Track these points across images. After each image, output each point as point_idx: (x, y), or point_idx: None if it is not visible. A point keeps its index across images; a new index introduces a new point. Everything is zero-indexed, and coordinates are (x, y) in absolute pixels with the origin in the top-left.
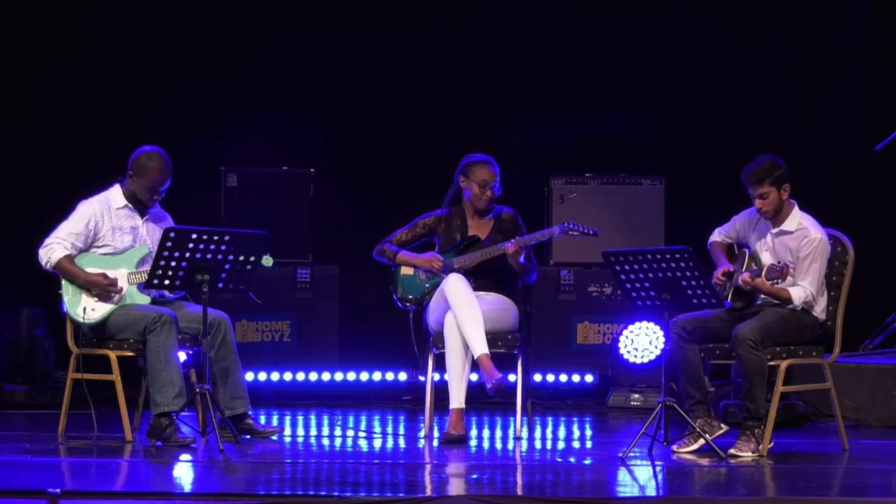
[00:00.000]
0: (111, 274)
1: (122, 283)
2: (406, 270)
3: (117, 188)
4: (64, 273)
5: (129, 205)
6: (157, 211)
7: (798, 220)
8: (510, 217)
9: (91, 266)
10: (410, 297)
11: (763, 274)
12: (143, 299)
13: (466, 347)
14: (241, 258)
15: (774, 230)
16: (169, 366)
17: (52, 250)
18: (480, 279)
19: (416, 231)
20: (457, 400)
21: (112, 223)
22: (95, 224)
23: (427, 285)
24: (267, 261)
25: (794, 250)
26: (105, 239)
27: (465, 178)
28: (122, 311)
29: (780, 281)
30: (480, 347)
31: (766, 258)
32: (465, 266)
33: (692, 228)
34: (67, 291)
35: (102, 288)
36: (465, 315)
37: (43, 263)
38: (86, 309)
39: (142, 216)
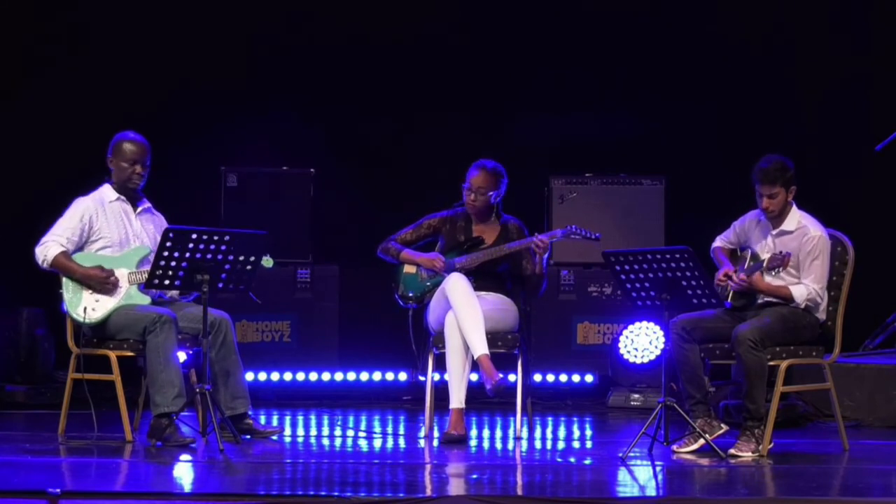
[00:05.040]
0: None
1: (123, 283)
2: (408, 268)
3: (107, 186)
4: (61, 269)
5: (122, 197)
6: (149, 208)
7: (797, 219)
8: (516, 227)
9: (89, 264)
10: (411, 294)
11: (765, 265)
12: (144, 299)
13: (467, 347)
14: (241, 258)
15: (774, 231)
16: (169, 366)
17: (48, 248)
18: (481, 280)
19: (420, 231)
20: (457, 400)
21: (106, 217)
22: (90, 219)
23: (428, 284)
24: (267, 262)
25: (796, 249)
26: (101, 232)
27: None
28: (122, 311)
29: (781, 270)
30: (481, 348)
31: None
32: (466, 266)
33: (692, 228)
34: (68, 290)
35: (100, 281)
36: (466, 315)
37: (39, 262)
38: (86, 309)
39: (134, 209)
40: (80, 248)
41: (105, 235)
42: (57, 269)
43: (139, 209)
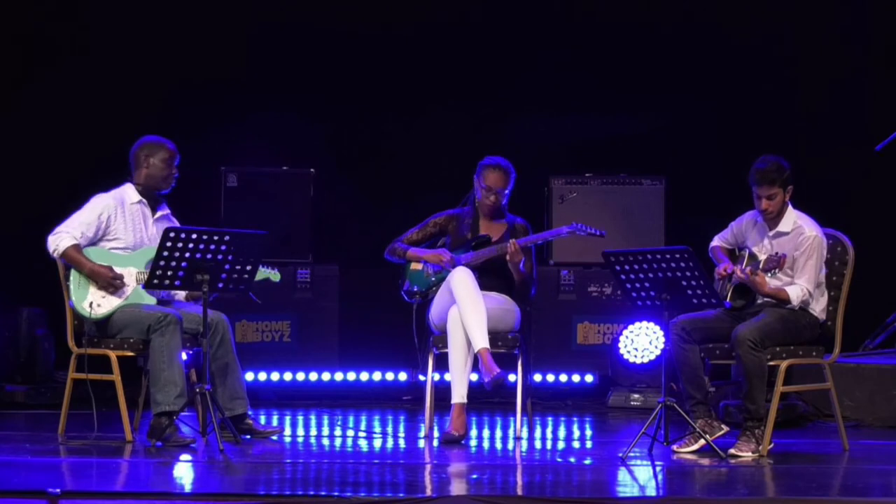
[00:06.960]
0: (118, 270)
1: (130, 281)
2: (415, 265)
3: (130, 186)
4: (70, 261)
5: (143, 200)
6: (167, 215)
7: (793, 219)
8: (522, 228)
9: (100, 261)
10: (416, 289)
11: (761, 266)
12: (150, 299)
13: (469, 342)
14: (241, 258)
15: (771, 233)
16: (172, 366)
17: (61, 238)
18: (486, 278)
19: (426, 230)
20: (458, 395)
21: (124, 218)
22: (108, 217)
23: (433, 279)
24: (274, 276)
25: (791, 250)
26: (116, 233)
27: (476, 178)
28: (127, 309)
29: (777, 271)
30: (481, 341)
31: None
32: (472, 263)
33: (692, 228)
34: (75, 283)
35: (107, 280)
36: (469, 308)
37: (50, 251)
38: (92, 304)
39: (153, 213)
40: (92, 244)
41: (120, 237)
42: (66, 261)
43: (158, 214)
